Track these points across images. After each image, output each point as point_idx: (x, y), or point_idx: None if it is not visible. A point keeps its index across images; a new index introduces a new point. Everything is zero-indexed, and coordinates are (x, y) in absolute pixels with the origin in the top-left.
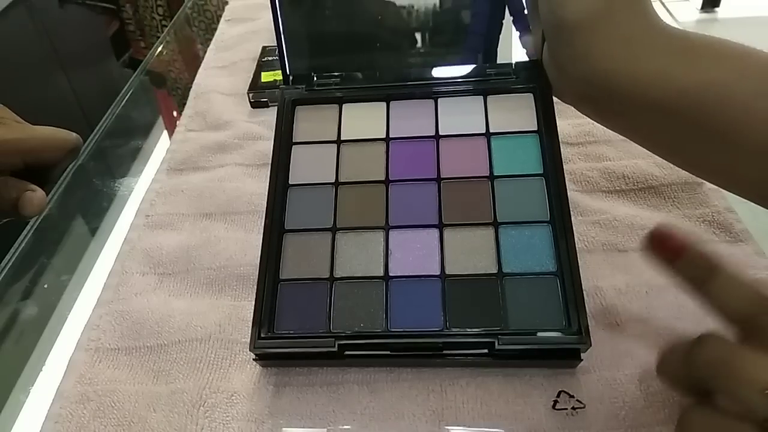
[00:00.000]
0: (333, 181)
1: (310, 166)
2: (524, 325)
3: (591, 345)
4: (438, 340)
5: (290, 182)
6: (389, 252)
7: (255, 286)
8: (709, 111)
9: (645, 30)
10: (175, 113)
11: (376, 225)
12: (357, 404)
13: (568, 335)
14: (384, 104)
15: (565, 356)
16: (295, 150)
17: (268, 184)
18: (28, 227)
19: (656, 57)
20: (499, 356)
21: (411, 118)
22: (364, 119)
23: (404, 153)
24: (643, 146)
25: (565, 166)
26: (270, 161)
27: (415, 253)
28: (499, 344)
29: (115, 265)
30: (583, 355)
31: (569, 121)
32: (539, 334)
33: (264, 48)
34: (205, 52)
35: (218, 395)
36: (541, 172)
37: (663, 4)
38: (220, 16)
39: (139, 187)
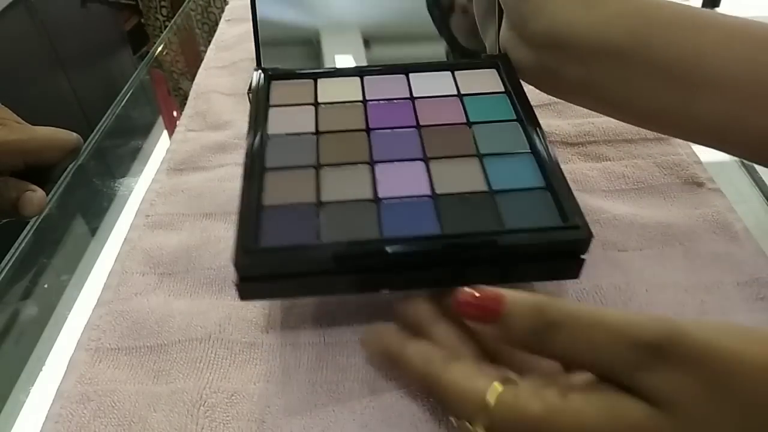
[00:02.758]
0: (313, 131)
1: (288, 121)
2: (523, 226)
3: (593, 236)
4: (437, 242)
5: (269, 132)
6: (376, 180)
7: None
8: (658, 48)
9: None
10: (175, 113)
11: (360, 160)
12: (357, 404)
13: (568, 230)
14: (358, 78)
15: (567, 257)
16: (272, 111)
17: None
18: (28, 227)
19: (603, 3)
20: (501, 265)
21: (385, 87)
22: (339, 88)
23: (382, 110)
24: (601, 106)
25: (564, 166)
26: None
27: (403, 180)
28: (501, 241)
29: (115, 265)
30: None
31: (569, 121)
32: (537, 232)
33: None
34: (205, 51)
35: (218, 395)
36: (515, 118)
37: None
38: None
39: (139, 187)
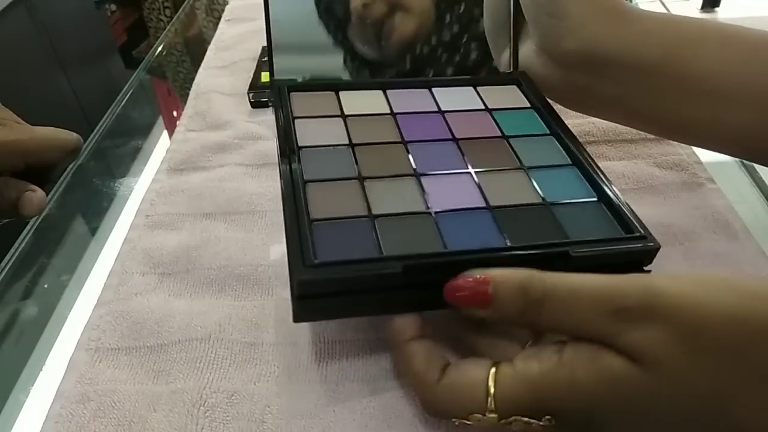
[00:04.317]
0: (347, 142)
1: (318, 133)
2: (588, 237)
3: (660, 246)
4: (505, 253)
5: (300, 144)
6: (426, 192)
7: (255, 286)
8: (687, 63)
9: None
10: (175, 113)
11: (404, 173)
12: (357, 404)
13: (636, 240)
14: (380, 91)
15: (630, 267)
16: (299, 122)
17: (269, 183)
18: (28, 227)
19: (635, 21)
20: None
21: (411, 101)
22: (364, 101)
23: (414, 122)
24: (631, 121)
25: None
26: (271, 161)
27: (453, 192)
28: (573, 253)
29: (115, 265)
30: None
31: (569, 121)
32: (607, 243)
33: (264, 48)
34: (205, 51)
35: (218, 395)
36: (548, 132)
37: (663, 4)
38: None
39: (139, 187)
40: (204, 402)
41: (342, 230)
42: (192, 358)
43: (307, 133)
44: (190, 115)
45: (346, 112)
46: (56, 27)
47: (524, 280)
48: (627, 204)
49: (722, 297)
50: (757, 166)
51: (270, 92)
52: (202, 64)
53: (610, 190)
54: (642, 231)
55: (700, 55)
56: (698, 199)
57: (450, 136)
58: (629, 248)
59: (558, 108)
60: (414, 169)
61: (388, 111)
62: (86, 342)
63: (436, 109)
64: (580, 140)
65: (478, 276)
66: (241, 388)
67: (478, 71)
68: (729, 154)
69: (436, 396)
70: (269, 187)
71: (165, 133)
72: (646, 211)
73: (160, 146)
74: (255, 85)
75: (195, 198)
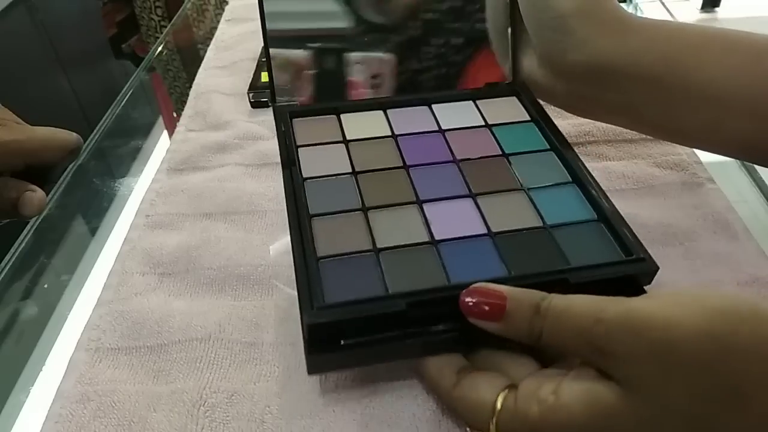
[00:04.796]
0: (350, 171)
1: (321, 162)
2: (587, 262)
3: (658, 269)
4: (509, 285)
5: (304, 176)
6: (428, 221)
7: (255, 286)
8: (690, 71)
9: (618, 9)
10: (175, 113)
11: (407, 201)
12: (357, 404)
13: (633, 263)
14: (381, 112)
15: (630, 288)
16: (302, 151)
17: (269, 183)
18: (28, 227)
19: (638, 30)
20: None
21: (411, 120)
22: (365, 123)
23: (415, 144)
24: (637, 126)
25: None
26: (271, 161)
27: (455, 220)
28: (572, 279)
29: (115, 265)
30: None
31: (569, 121)
32: (606, 267)
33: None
34: (205, 52)
35: (218, 395)
36: (548, 147)
37: (663, 4)
38: (220, 15)
39: (139, 187)
40: (204, 402)
41: (348, 267)
42: (192, 358)
43: (310, 162)
44: (190, 115)
45: (348, 137)
46: (56, 27)
47: (537, 298)
48: (625, 223)
49: (692, 314)
50: (758, 166)
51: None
52: (202, 64)
53: (609, 208)
54: (641, 253)
55: (703, 62)
56: (698, 199)
57: (451, 158)
58: (627, 272)
59: (558, 108)
60: (416, 197)
61: (389, 133)
62: (86, 342)
63: (436, 128)
64: (580, 140)
65: (495, 290)
66: (241, 388)
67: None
68: (734, 158)
69: (449, 401)
70: (269, 187)
71: (165, 133)
72: (646, 211)
73: (160, 146)
74: (255, 85)
75: (195, 198)
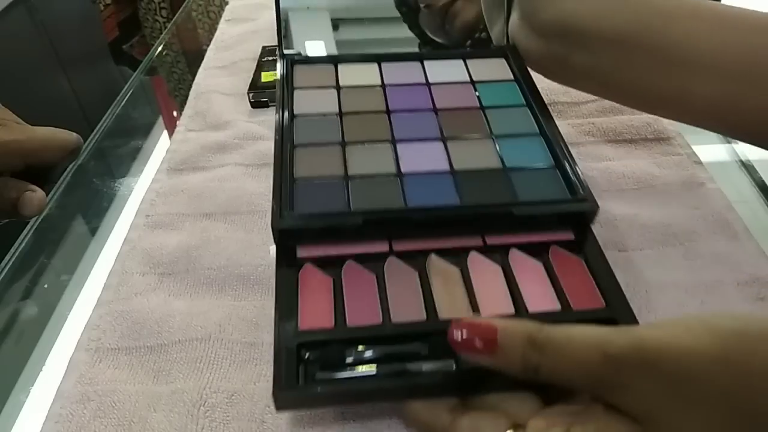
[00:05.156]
0: (337, 112)
1: (312, 103)
2: (535, 199)
3: (598, 208)
4: (456, 212)
5: (295, 113)
6: (398, 157)
7: (255, 286)
8: (657, 34)
9: None
10: (175, 113)
11: (383, 139)
12: (357, 404)
13: (575, 202)
14: (375, 64)
15: (578, 227)
16: (297, 93)
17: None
18: (28, 227)
19: None
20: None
21: (402, 73)
22: (359, 73)
23: (400, 94)
24: (605, 91)
25: None
26: (271, 161)
27: (423, 158)
28: (516, 212)
29: (115, 265)
30: None
31: (569, 121)
32: (550, 204)
33: (264, 48)
34: (205, 52)
35: (218, 395)
36: (524, 103)
37: None
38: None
39: (139, 187)
40: (204, 402)
41: (319, 188)
42: (192, 358)
43: (303, 102)
44: (190, 115)
45: (341, 84)
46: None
47: (530, 330)
48: (578, 170)
49: (704, 340)
50: (757, 166)
51: (269, 92)
52: (202, 64)
53: (567, 158)
54: (584, 193)
55: (670, 25)
56: (698, 199)
57: (431, 107)
58: (568, 209)
59: (559, 108)
60: (392, 136)
61: (379, 83)
62: (86, 342)
63: (423, 81)
64: (580, 140)
65: (484, 322)
66: (241, 388)
67: None
68: (702, 127)
69: None
70: (269, 187)
71: (165, 133)
72: (646, 211)
73: (160, 146)
74: (255, 85)
75: (195, 198)
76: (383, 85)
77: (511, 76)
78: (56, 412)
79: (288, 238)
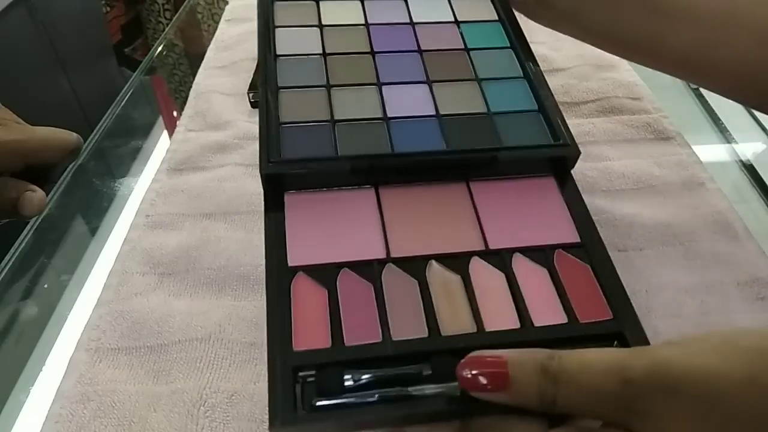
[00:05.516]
0: (320, 52)
1: (295, 43)
2: (516, 144)
3: (580, 153)
4: (442, 157)
5: (277, 53)
6: (384, 101)
7: (255, 286)
8: None
9: None
10: (175, 113)
11: (368, 82)
12: None
13: (558, 147)
14: (359, 2)
15: (560, 170)
16: (279, 32)
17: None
18: (28, 227)
19: None
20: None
21: (385, 12)
22: (341, 12)
23: (384, 34)
24: (585, 35)
25: None
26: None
27: (408, 102)
28: (501, 157)
29: (115, 265)
30: None
31: (569, 120)
32: (533, 149)
33: None
34: (205, 52)
35: (218, 395)
36: (509, 45)
37: None
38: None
39: (139, 187)
40: (204, 402)
41: (306, 133)
42: (192, 358)
43: (285, 42)
44: (190, 115)
45: (323, 22)
46: (56, 27)
47: (541, 359)
48: (561, 115)
49: (728, 360)
50: (757, 166)
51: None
52: (202, 64)
53: (550, 103)
54: (567, 139)
55: None
56: (698, 199)
57: (415, 48)
58: (551, 154)
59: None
60: (378, 79)
61: (363, 22)
62: (86, 342)
63: (407, 21)
64: (580, 140)
65: (492, 357)
66: (241, 388)
67: None
68: (678, 76)
69: None
70: None
71: (165, 133)
72: (646, 211)
73: (160, 146)
74: (255, 85)
75: (195, 198)
76: (367, 24)
77: (496, 17)
78: (56, 412)
79: (276, 183)
